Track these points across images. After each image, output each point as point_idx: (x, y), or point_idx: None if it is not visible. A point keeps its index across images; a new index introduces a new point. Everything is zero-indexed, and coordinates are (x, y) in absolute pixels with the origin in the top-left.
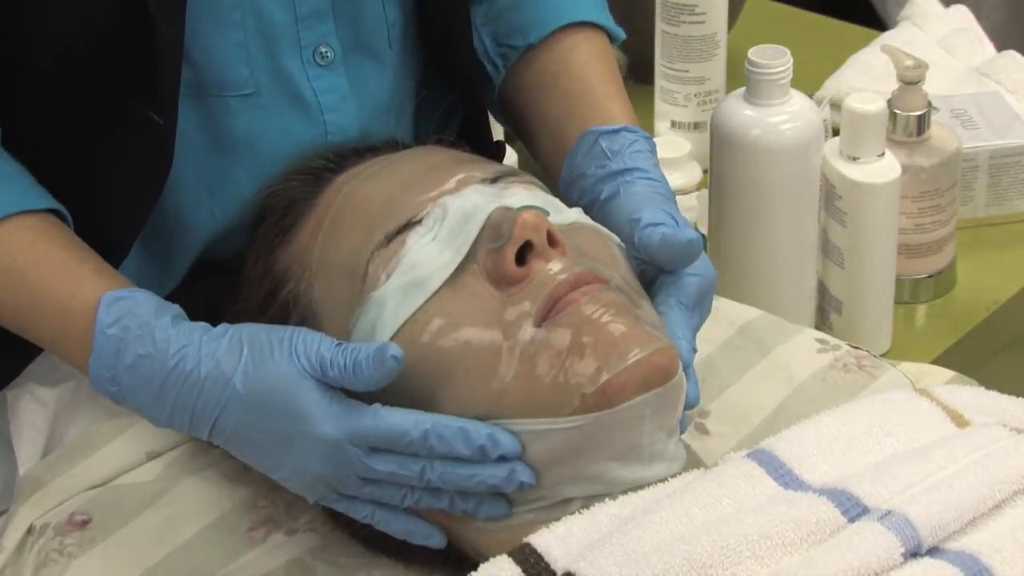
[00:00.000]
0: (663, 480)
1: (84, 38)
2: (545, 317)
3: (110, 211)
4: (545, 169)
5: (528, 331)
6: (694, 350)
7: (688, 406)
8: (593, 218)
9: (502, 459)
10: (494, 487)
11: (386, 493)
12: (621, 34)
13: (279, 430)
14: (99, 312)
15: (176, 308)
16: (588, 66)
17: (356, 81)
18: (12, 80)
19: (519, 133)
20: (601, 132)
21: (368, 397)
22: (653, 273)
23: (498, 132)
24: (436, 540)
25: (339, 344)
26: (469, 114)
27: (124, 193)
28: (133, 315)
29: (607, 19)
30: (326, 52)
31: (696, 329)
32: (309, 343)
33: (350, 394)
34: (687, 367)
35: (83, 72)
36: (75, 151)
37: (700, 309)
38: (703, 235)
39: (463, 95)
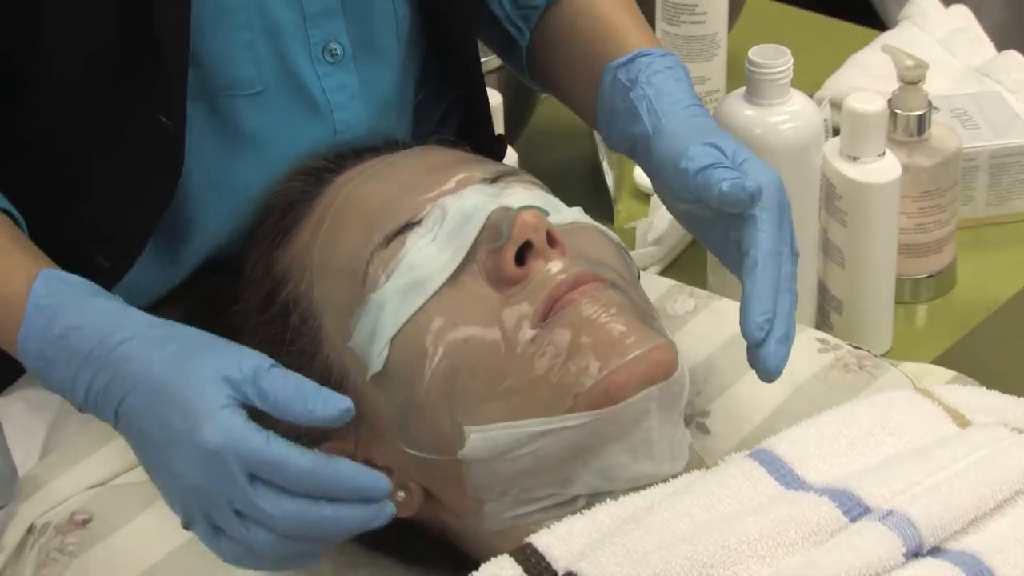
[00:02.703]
0: (667, 478)
1: (91, 47)
2: (544, 317)
3: (124, 212)
4: (589, 122)
5: (528, 331)
6: (791, 293)
7: (769, 374)
8: (646, 165)
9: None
10: (365, 527)
11: (258, 538)
12: None
13: (169, 424)
14: (35, 284)
15: (116, 296)
16: (599, 2)
17: (365, 77)
18: (26, 85)
19: (555, 93)
20: (617, 66)
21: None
22: (708, 215)
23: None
24: (316, 561)
25: (280, 370)
26: (470, 109)
27: (136, 195)
28: (68, 289)
29: None
30: (336, 49)
31: (788, 252)
32: (245, 355)
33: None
34: (763, 341)
35: (91, 78)
36: (87, 154)
37: (785, 220)
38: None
39: (464, 88)
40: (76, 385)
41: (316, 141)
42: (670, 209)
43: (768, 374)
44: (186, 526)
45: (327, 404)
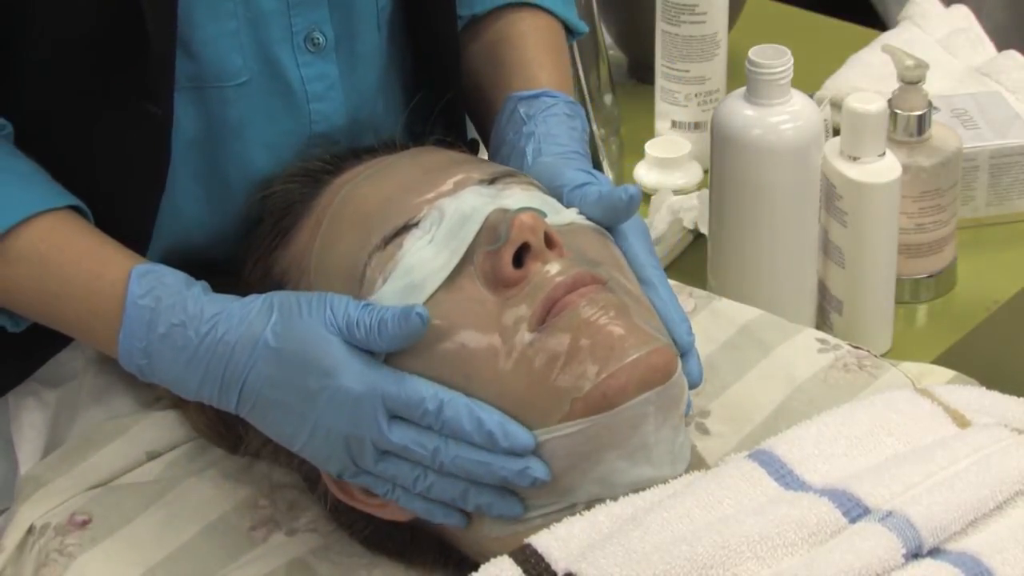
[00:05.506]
0: (667, 481)
1: (77, 31)
2: (543, 320)
3: (121, 202)
4: (484, 141)
5: (526, 334)
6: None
7: (692, 385)
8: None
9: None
10: (506, 480)
11: (400, 472)
12: (581, 27)
13: (305, 385)
14: (130, 284)
15: (203, 282)
16: (526, 36)
17: (346, 68)
18: (10, 76)
19: (464, 105)
20: (520, 98)
21: None
22: None
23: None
24: (456, 520)
25: (367, 305)
26: (444, 103)
27: (130, 184)
28: (164, 286)
29: (564, 9)
30: (318, 38)
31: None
32: (337, 303)
33: None
34: (690, 348)
35: (78, 66)
36: (77, 144)
37: (653, 254)
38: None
39: (440, 83)
40: (187, 381)
41: (291, 131)
42: None
43: (697, 382)
44: (339, 476)
45: (399, 321)
